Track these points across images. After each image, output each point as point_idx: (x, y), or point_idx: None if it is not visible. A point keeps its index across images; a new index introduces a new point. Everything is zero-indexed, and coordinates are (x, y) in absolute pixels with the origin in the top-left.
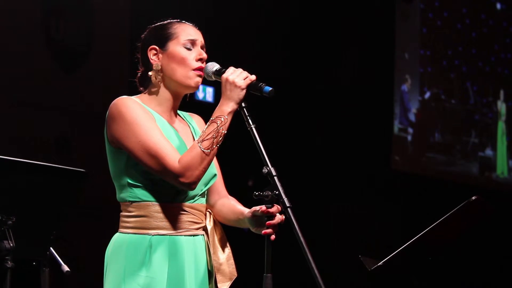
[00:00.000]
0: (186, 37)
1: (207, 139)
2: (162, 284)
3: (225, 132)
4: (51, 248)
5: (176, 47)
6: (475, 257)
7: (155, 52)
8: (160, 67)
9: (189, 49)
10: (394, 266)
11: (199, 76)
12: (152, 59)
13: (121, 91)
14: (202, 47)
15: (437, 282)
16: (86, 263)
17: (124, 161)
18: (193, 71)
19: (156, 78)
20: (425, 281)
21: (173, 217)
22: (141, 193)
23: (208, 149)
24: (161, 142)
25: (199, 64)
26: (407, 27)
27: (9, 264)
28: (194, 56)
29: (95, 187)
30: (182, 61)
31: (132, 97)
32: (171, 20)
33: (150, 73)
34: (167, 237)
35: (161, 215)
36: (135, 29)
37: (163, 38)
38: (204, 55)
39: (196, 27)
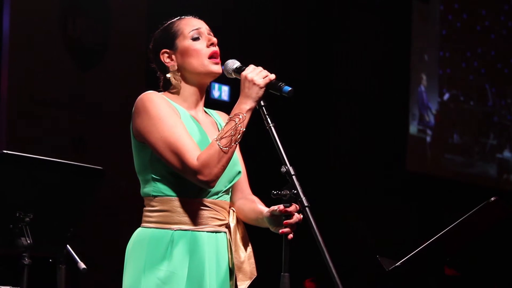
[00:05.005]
0: (190, 28)
1: (225, 137)
2: (183, 279)
3: (244, 129)
4: (67, 245)
5: (184, 42)
6: (493, 258)
7: (167, 55)
8: (176, 67)
9: (197, 39)
10: (412, 266)
11: (216, 63)
12: (166, 62)
13: (137, 89)
14: (209, 33)
15: (455, 283)
16: (102, 261)
17: (148, 155)
18: (208, 60)
19: (175, 79)
20: (442, 282)
21: (195, 213)
22: (164, 188)
23: (226, 146)
24: (183, 139)
25: (211, 49)
26: (426, 29)
27: (26, 261)
28: (204, 44)
29: (112, 185)
30: (194, 53)
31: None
32: (172, 20)
33: (168, 75)
34: (189, 233)
35: (183, 210)
36: (151, 27)
37: (169, 39)
38: (214, 39)
39: (196, 17)
